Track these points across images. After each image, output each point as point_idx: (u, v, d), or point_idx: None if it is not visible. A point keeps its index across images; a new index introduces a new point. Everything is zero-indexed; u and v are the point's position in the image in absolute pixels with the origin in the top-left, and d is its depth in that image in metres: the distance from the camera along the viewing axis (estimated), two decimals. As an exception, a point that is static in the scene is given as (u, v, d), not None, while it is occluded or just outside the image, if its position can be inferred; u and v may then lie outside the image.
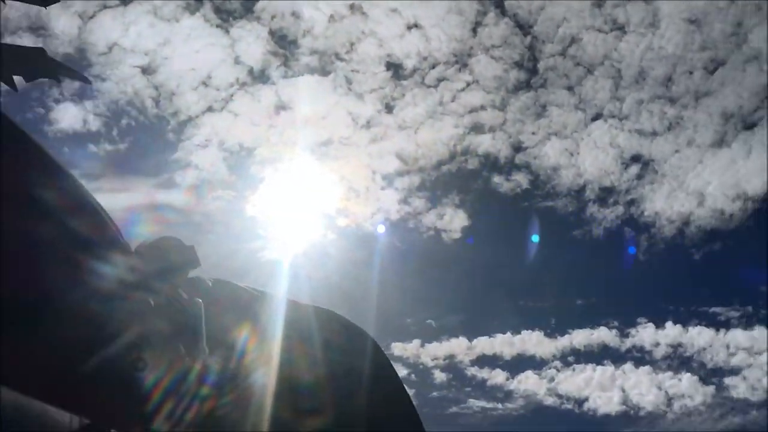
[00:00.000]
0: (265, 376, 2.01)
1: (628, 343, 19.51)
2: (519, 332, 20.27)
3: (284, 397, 1.94)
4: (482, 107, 21.33)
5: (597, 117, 20.91)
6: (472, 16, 21.29)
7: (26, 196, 1.45)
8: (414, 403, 2.17)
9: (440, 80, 21.50)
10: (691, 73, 19.91)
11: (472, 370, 19.91)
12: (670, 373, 19.20)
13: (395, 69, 21.58)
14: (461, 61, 21.33)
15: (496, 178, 21.40)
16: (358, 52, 21.50)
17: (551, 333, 20.22)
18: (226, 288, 2.11)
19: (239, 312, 2.11)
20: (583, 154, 21.07)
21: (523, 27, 21.64)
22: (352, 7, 21.03)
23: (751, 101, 19.35)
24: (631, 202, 20.49)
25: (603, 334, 19.71)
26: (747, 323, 19.06)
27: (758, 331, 18.69)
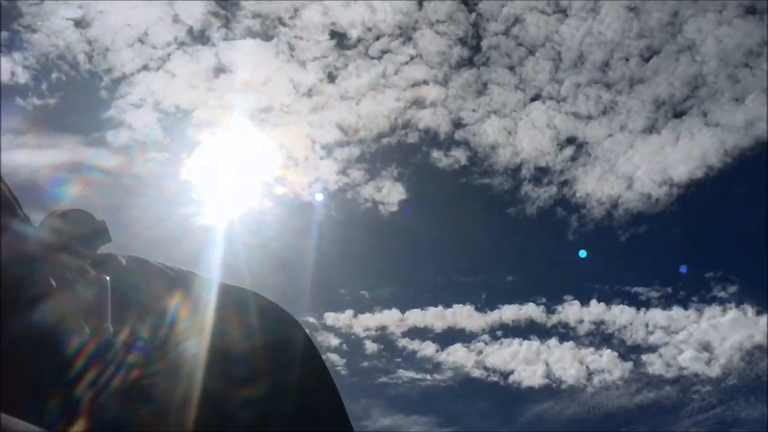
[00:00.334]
0: (196, 345, 1.96)
1: (554, 319, 20.35)
2: (450, 306, 20.79)
3: (216, 366, 1.90)
4: (425, 82, 21.39)
5: (536, 98, 21.40)
6: (419, -12, 21.22)
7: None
8: (339, 375, 2.19)
9: (384, 52, 21.37)
10: (627, 59, 20.62)
11: (403, 342, 20.30)
12: (591, 349, 20.19)
13: (339, 38, 21.26)
14: (406, 34, 21.25)
15: (435, 154, 21.63)
16: (302, 18, 21.05)
17: (481, 308, 20.84)
18: (143, 267, 2.03)
19: (168, 282, 2.04)
20: (521, 134, 21.59)
21: (469, 4, 21.74)
22: (297, -29, 20.50)
23: (682, 90, 20.28)
24: (565, 183, 21.19)
25: (531, 310, 20.47)
26: (666, 303, 20.22)
27: (676, 311, 19.85)
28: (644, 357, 19.67)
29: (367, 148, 21.67)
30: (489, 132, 21.61)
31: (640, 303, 20.18)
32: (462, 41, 21.35)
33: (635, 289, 20.35)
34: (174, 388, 1.79)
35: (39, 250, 1.63)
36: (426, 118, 21.55)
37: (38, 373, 1.51)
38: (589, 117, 20.96)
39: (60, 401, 1.45)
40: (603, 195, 20.64)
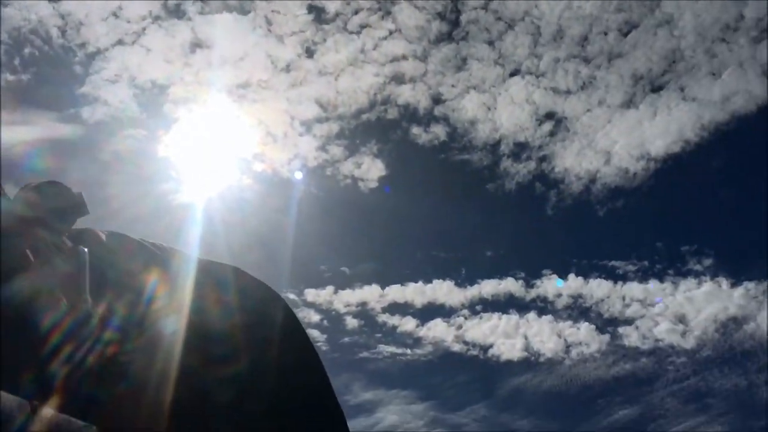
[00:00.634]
0: (174, 323, 1.94)
1: (533, 293, 20.69)
2: (430, 281, 21.00)
3: (194, 344, 1.89)
4: (404, 57, 21.29)
5: (515, 73, 21.43)
6: (399, -38, 20.96)
7: None
8: (320, 351, 2.17)
9: (363, 27, 21.18)
10: (605, 33, 20.70)
11: (384, 317, 20.49)
12: (569, 322, 20.61)
13: (317, 12, 21.01)
14: (384, 8, 21.06)
15: (415, 130, 21.63)
16: (279, -9, 20.65)
17: (461, 283, 21.08)
18: (122, 242, 1.99)
19: (147, 259, 2.01)
20: (500, 109, 21.66)
21: (447, -23, 21.53)
22: (278, -56, 20.10)
23: (660, 65, 20.48)
24: (543, 158, 21.38)
25: (510, 285, 20.76)
26: (642, 277, 20.64)
27: (652, 284, 20.24)
28: (621, 329, 20.13)
29: (346, 124, 21.58)
30: (468, 107, 21.65)
31: (617, 277, 20.59)
32: (441, 15, 21.25)
33: (612, 263, 20.75)
34: (151, 365, 1.77)
35: (13, 223, 1.60)
36: (405, 94, 21.49)
37: (11, 349, 1.48)
38: (568, 92, 21.11)
39: (34, 377, 1.42)
40: (581, 170, 20.89)
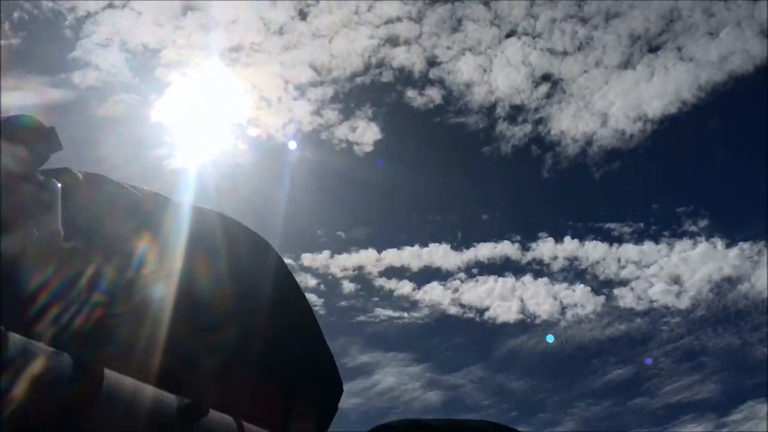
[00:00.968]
0: (163, 289, 1.90)
1: (529, 256, 20.72)
2: (427, 245, 20.96)
3: (183, 312, 1.85)
4: (398, 18, 20.91)
5: (511, 34, 21.12)
6: None
7: None
8: (317, 315, 2.12)
9: (357, -13, 20.80)
10: None
11: (380, 281, 20.51)
12: (565, 284, 20.72)
13: (310, -27, 20.56)
14: (378, -32, 20.70)
15: (410, 93, 21.34)
16: (271, -49, 20.24)
17: (457, 246, 21.05)
18: (103, 185, 1.91)
19: (136, 219, 1.94)
20: (496, 72, 21.39)
21: (443, -65, 21.21)
22: None
23: (657, 24, 20.22)
24: (539, 121, 21.20)
25: (506, 248, 20.75)
26: (638, 238, 20.69)
27: (647, 246, 20.35)
28: (616, 291, 20.28)
29: (340, 88, 21.28)
30: (464, 70, 21.37)
31: (612, 239, 20.61)
32: (436, -25, 20.95)
33: (608, 225, 20.75)
34: (138, 331, 1.73)
35: (2, 181, 1.54)
36: (400, 57, 21.20)
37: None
38: (565, 53, 20.86)
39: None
40: (578, 132, 20.75)
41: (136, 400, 0.90)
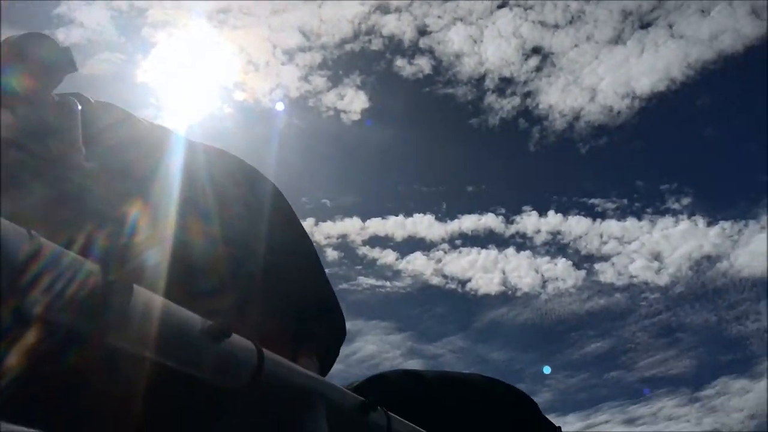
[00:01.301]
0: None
1: (513, 229, 20.97)
2: (411, 215, 21.10)
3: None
4: None
5: (503, 5, 20.81)
6: None
7: None
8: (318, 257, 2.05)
9: (347, -49, 20.28)
10: None
11: (364, 250, 20.71)
12: (547, 258, 21.07)
13: (301, -67, 20.00)
14: (370, -68, 20.14)
15: (399, 62, 21.11)
16: None
17: (442, 217, 21.23)
18: (113, 112, 1.85)
19: (144, 149, 1.89)
20: (487, 43, 21.17)
21: None
22: None
23: (650, 0, 20.03)
24: (528, 94, 21.12)
25: (490, 220, 20.97)
26: (621, 215, 20.98)
27: (630, 222, 20.66)
28: (597, 266, 20.65)
29: (329, 55, 20.96)
30: (454, 40, 21.10)
31: (596, 214, 20.87)
32: (428, -60, 20.42)
33: (592, 200, 20.98)
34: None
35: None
36: (390, 24, 20.85)
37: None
38: (556, 26, 20.62)
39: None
40: (566, 107, 20.71)
41: (161, 316, 0.91)
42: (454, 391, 1.66)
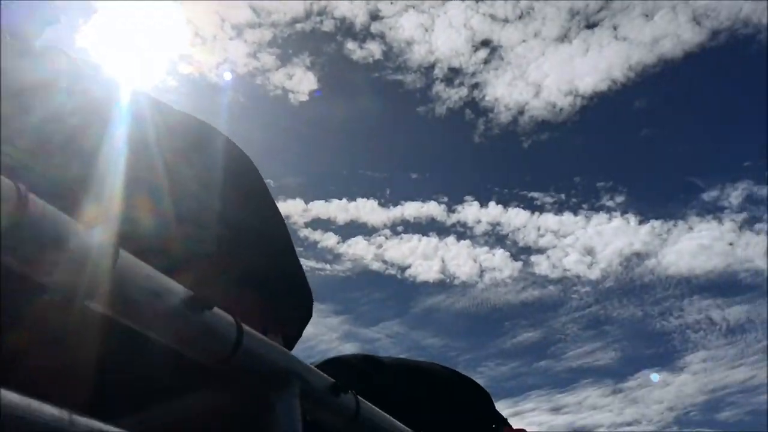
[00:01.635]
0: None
1: (454, 218, 21.40)
2: (355, 199, 21.13)
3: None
4: None
5: None
6: None
7: None
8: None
9: (301, -71, 20.08)
10: None
11: (305, 232, 20.55)
12: (486, 248, 21.65)
13: None
14: None
15: (350, 45, 21.08)
16: None
17: (385, 203, 21.39)
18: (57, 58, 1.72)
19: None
20: (438, 32, 21.49)
21: None
22: None
23: (597, 1, 20.89)
24: (475, 86, 21.60)
25: (432, 208, 21.31)
26: (558, 209, 21.82)
27: (566, 217, 21.50)
28: (533, 258, 21.38)
29: (279, 33, 20.62)
30: (406, 27, 21.28)
31: (535, 207, 21.60)
32: (382, -74, 20.53)
33: (532, 193, 21.69)
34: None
35: None
36: (342, 7, 20.75)
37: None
38: (506, 20, 21.15)
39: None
40: (511, 101, 21.29)
41: (143, 281, 0.86)
42: (412, 378, 1.68)
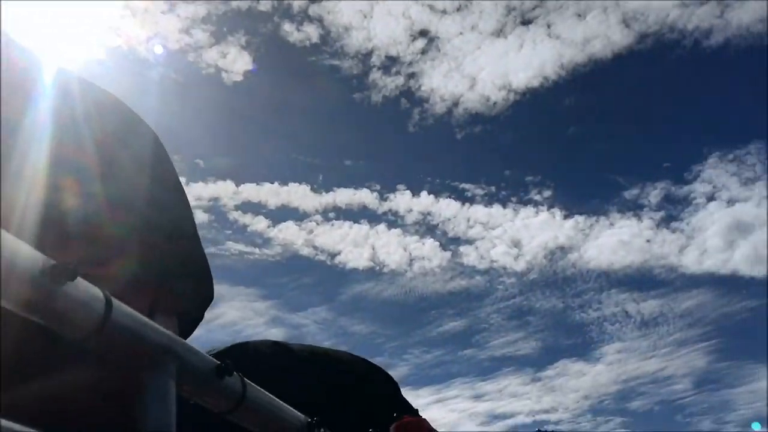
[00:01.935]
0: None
1: (386, 206, 21.61)
2: (287, 184, 21.04)
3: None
4: None
5: None
6: None
7: None
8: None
9: None
10: None
11: (235, 215, 20.35)
12: (416, 237, 22.00)
13: None
14: None
15: (287, 26, 20.82)
16: None
17: (317, 188, 21.39)
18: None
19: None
20: (376, 19, 21.52)
21: None
22: None
23: None
24: (412, 75, 21.77)
25: (364, 196, 21.44)
26: (488, 201, 22.32)
27: (495, 209, 22.02)
28: (462, 248, 21.85)
29: (214, 9, 20.14)
30: (345, 12, 21.16)
31: (465, 198, 22.03)
32: None
33: (463, 185, 22.08)
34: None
35: None
36: None
37: None
38: (444, 12, 21.32)
39: None
40: (446, 92, 21.54)
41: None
42: (320, 365, 1.66)
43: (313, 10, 20.47)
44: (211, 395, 1.14)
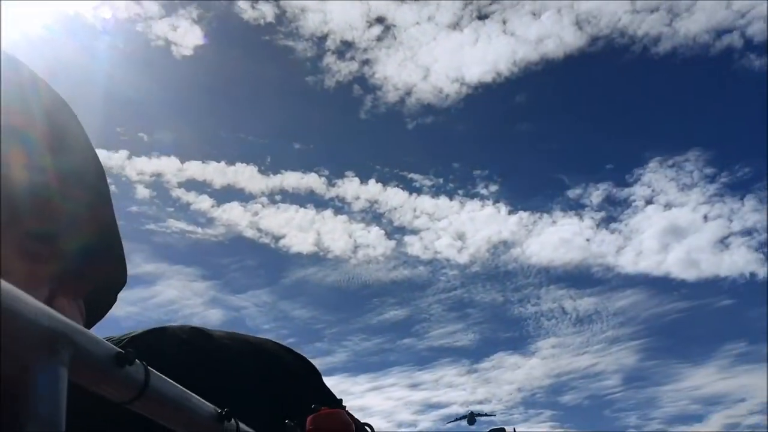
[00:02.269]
0: None
1: (333, 192, 21.77)
2: (233, 164, 20.86)
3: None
4: None
5: None
6: None
7: None
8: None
9: None
10: None
11: (179, 192, 20.04)
12: (362, 225, 22.30)
13: None
14: None
15: (242, 3, 20.55)
16: None
17: (265, 170, 21.29)
18: None
19: None
20: (333, 2, 21.47)
21: None
22: None
23: None
24: (366, 62, 21.83)
25: (312, 180, 21.54)
26: (435, 192, 22.77)
27: (442, 200, 22.48)
28: (407, 238, 22.31)
29: None
30: None
31: (413, 188, 22.39)
32: None
33: (412, 175, 22.44)
34: None
35: None
36: None
37: None
38: (402, 0, 21.42)
39: None
40: (400, 81, 21.78)
41: None
42: (239, 353, 1.61)
43: (269, -12, 19.98)
44: (109, 384, 1.08)
